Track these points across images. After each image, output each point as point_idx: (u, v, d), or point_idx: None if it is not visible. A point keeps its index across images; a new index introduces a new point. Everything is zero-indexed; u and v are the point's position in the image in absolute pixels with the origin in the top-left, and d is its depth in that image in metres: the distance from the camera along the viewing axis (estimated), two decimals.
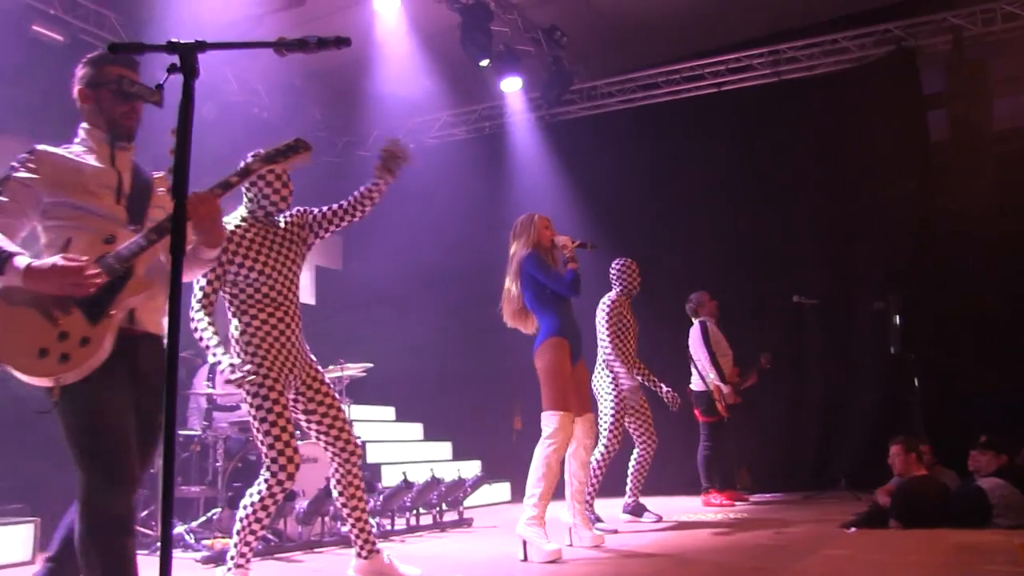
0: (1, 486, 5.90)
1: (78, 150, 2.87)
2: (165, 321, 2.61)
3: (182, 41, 2.11)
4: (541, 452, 5.04)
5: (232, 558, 3.95)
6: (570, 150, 10.00)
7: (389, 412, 9.98)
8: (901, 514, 5.79)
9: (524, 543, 5.00)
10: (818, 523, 6.14)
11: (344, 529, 4.84)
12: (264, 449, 3.91)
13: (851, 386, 8.77)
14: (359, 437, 7.39)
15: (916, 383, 8.12)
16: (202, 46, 2.12)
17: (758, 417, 8.65)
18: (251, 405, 3.92)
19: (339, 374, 6.89)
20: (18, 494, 6.07)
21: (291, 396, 4.08)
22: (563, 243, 5.38)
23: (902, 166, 8.71)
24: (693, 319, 8.06)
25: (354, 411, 7.48)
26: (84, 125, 2.92)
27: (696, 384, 7.96)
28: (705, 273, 8.85)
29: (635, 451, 6.70)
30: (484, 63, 8.93)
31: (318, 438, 4.16)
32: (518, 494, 8.96)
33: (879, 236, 8.81)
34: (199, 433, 6.33)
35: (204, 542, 5.66)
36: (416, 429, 9.83)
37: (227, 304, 4.06)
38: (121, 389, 2.73)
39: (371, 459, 8.41)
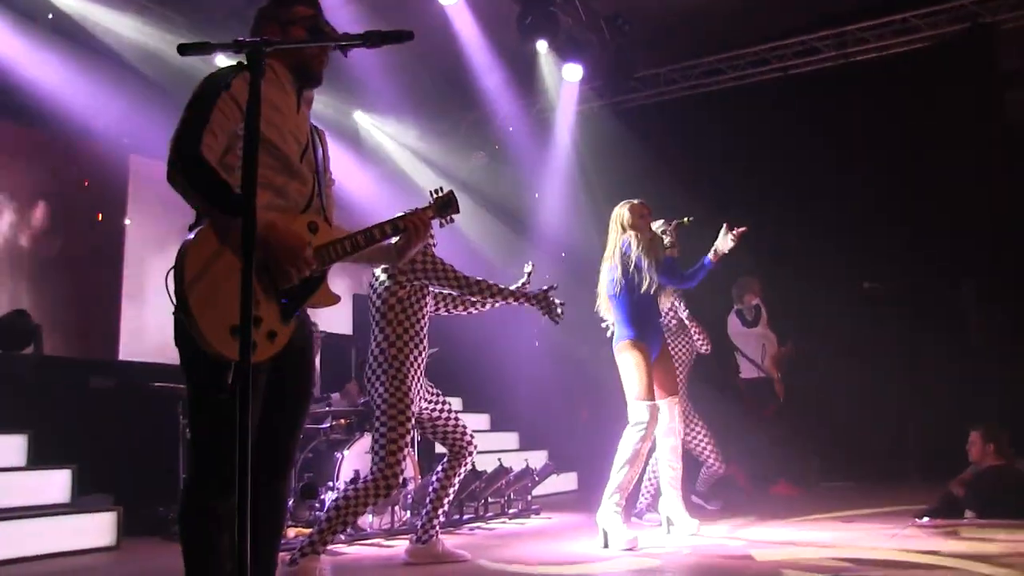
0: (87, 475, 6.10)
1: (270, 88, 2.57)
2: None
3: (248, 40, 2.15)
4: (629, 441, 5.06)
5: (313, 544, 4.21)
6: (634, 137, 9.92)
7: (456, 403, 10.03)
8: (976, 504, 5.66)
9: (604, 531, 5.02)
10: (889, 513, 6.03)
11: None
12: (381, 461, 4.35)
13: (925, 374, 8.56)
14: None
15: (994, 371, 7.91)
16: (268, 43, 2.16)
17: (829, 405, 8.51)
18: (387, 418, 4.37)
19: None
20: (103, 483, 6.28)
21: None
22: (662, 229, 5.52)
23: (978, 148, 8.46)
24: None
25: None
26: (270, 61, 2.61)
27: (746, 372, 7.86)
28: (770, 260, 8.72)
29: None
30: (542, 47, 8.92)
31: (442, 440, 4.87)
32: (585, 484, 9.01)
33: (954, 220, 8.56)
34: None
35: None
36: (483, 419, 9.88)
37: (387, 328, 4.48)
38: (259, 388, 2.55)
39: (439, 449, 8.48)
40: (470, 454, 4.83)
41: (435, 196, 3.11)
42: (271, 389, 2.63)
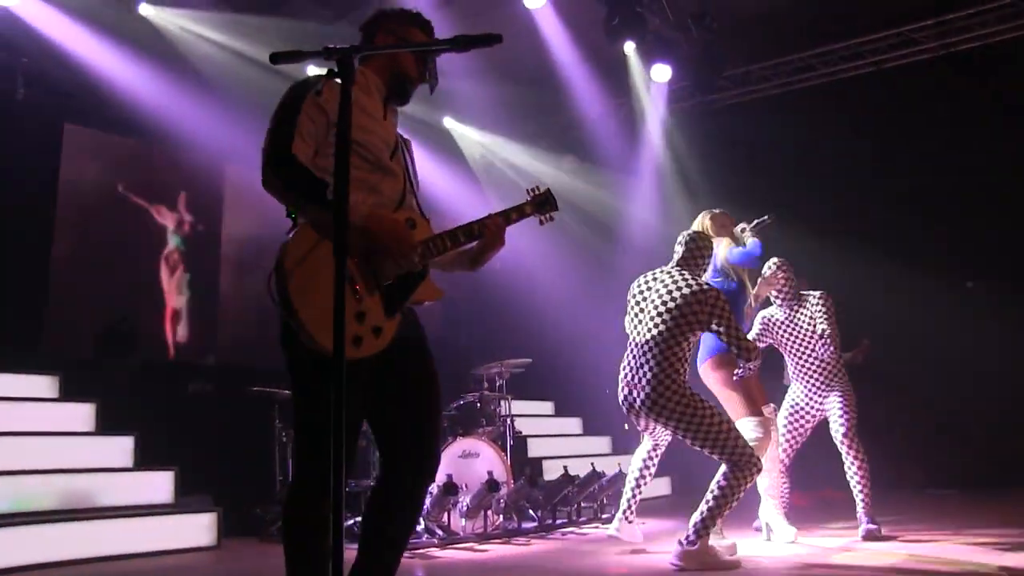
0: (190, 477, 6.28)
1: (361, 94, 2.69)
2: None
3: (339, 47, 2.18)
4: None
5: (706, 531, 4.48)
6: (724, 136, 9.77)
7: (548, 407, 10.03)
8: None
9: (767, 526, 5.37)
10: (997, 523, 5.80)
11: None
12: (734, 450, 4.46)
13: None
14: (520, 431, 7.50)
15: None
16: (358, 50, 2.18)
17: (931, 409, 8.23)
18: (708, 418, 4.47)
19: (498, 370, 7.00)
20: (204, 485, 6.47)
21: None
22: (743, 231, 5.42)
23: None
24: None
25: (513, 406, 7.57)
26: (364, 68, 2.77)
27: None
28: (864, 260, 8.47)
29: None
30: (629, 48, 8.85)
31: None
32: (679, 489, 8.90)
33: None
34: (365, 428, 6.53)
35: None
36: (575, 423, 9.85)
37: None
38: (357, 389, 2.52)
39: (531, 453, 8.50)
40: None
41: (533, 194, 3.06)
42: (394, 390, 2.65)
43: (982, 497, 7.54)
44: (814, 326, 5.67)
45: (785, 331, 5.77)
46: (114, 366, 7.37)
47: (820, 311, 5.68)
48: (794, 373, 5.88)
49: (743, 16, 8.91)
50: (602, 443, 9.50)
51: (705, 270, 4.97)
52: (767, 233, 5.55)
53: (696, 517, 4.50)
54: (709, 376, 5.28)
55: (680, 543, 4.48)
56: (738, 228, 5.49)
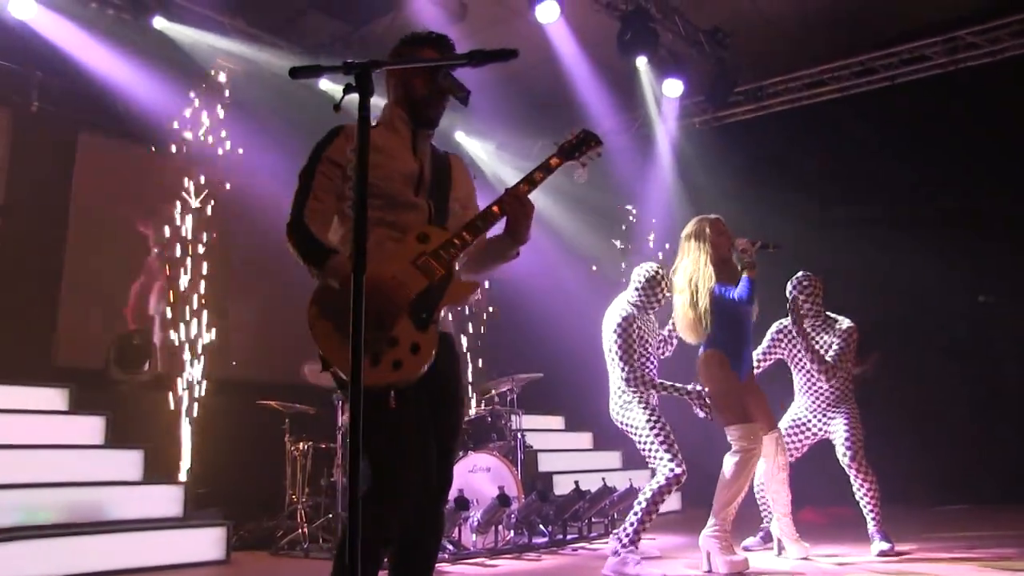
0: (200, 491, 6.27)
1: (382, 131, 2.82)
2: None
3: (357, 61, 2.17)
4: (730, 465, 4.93)
5: (629, 537, 4.72)
6: (737, 152, 9.74)
7: (558, 421, 9.99)
8: None
9: (707, 553, 4.92)
10: (1011, 539, 5.75)
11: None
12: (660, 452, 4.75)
13: None
14: (531, 446, 7.47)
15: None
16: (377, 64, 2.17)
17: (943, 423, 8.16)
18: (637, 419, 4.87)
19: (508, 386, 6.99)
20: (214, 499, 6.45)
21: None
22: (743, 247, 5.18)
23: None
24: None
25: (524, 421, 7.55)
26: (388, 103, 2.90)
27: None
28: (879, 276, 8.42)
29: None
30: (642, 63, 8.85)
31: None
32: (689, 504, 8.84)
33: None
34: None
35: None
36: (585, 438, 9.80)
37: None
38: (412, 402, 2.61)
39: (542, 468, 8.46)
40: None
41: (561, 143, 2.99)
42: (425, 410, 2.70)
43: (995, 513, 7.47)
44: (826, 352, 5.64)
45: (800, 346, 5.72)
46: (124, 380, 7.37)
47: (838, 344, 5.64)
48: (801, 388, 5.83)
49: (756, 31, 8.90)
50: (612, 458, 9.45)
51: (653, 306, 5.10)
52: (767, 257, 5.38)
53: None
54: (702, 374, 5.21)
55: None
56: (741, 243, 5.31)
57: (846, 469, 5.56)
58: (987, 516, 7.38)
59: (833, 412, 5.67)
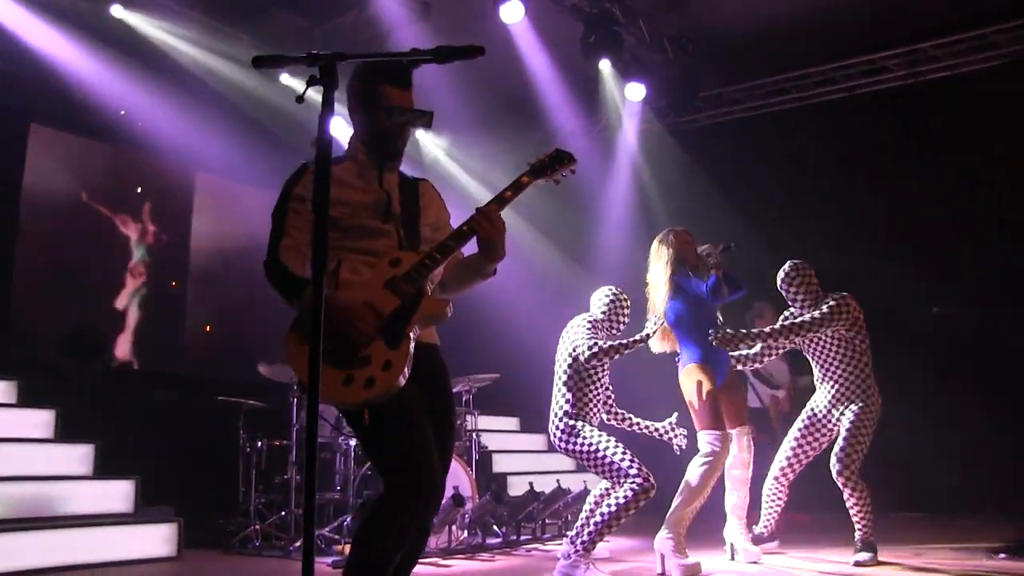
0: (151, 488, 6.18)
1: (347, 165, 2.91)
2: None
3: (322, 53, 2.16)
4: (696, 469, 4.95)
5: (584, 544, 4.70)
6: (698, 157, 9.81)
7: (513, 423, 10.00)
8: None
9: (662, 556, 4.94)
10: (960, 549, 5.83)
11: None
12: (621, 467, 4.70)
13: (1003, 401, 8.19)
14: (486, 446, 7.48)
15: None
16: (341, 57, 2.17)
17: (898, 432, 8.26)
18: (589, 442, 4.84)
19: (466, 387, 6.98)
20: (165, 495, 6.36)
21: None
22: (707, 252, 5.33)
23: None
24: None
25: (479, 421, 7.55)
26: (352, 137, 2.99)
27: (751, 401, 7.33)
28: (837, 283, 8.50)
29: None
30: (605, 66, 8.89)
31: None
32: (645, 507, 8.85)
33: None
34: (329, 440, 6.47)
35: (335, 547, 5.80)
36: (540, 440, 9.81)
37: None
38: (417, 401, 2.76)
39: (496, 469, 8.46)
40: None
41: (533, 163, 3.04)
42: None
43: (948, 522, 7.58)
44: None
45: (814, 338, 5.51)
46: (75, 373, 7.25)
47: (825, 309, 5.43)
48: (818, 378, 5.55)
49: (719, 39, 8.98)
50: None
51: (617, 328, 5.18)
52: (731, 258, 5.44)
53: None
54: (683, 385, 5.26)
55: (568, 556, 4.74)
56: (703, 248, 5.41)
57: (835, 477, 5.24)
58: (937, 525, 7.48)
59: (846, 401, 5.35)
